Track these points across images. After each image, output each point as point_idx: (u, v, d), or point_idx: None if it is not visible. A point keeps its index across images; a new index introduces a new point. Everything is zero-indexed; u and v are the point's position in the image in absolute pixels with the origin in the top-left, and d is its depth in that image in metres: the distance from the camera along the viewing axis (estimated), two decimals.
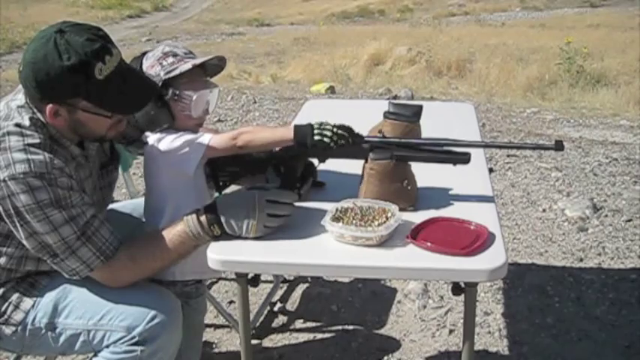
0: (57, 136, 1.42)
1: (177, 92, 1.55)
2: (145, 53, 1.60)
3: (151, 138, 1.58)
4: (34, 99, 1.39)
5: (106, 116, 1.42)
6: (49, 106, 1.36)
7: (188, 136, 1.55)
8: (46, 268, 1.48)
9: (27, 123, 1.38)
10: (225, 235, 1.43)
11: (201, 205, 1.48)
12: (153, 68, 1.56)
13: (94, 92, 1.36)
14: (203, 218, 1.43)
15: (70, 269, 1.41)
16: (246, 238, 1.42)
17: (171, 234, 1.46)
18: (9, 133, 1.36)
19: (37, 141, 1.37)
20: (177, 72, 1.53)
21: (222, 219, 1.42)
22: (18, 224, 1.35)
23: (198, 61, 1.56)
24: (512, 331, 2.36)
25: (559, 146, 1.48)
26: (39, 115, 1.41)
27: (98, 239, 1.41)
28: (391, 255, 1.34)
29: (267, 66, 10.65)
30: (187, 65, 1.54)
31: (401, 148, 1.52)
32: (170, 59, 1.56)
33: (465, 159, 1.51)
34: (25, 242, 1.39)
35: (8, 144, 1.34)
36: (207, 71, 1.64)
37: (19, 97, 1.43)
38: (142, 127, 1.60)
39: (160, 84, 1.54)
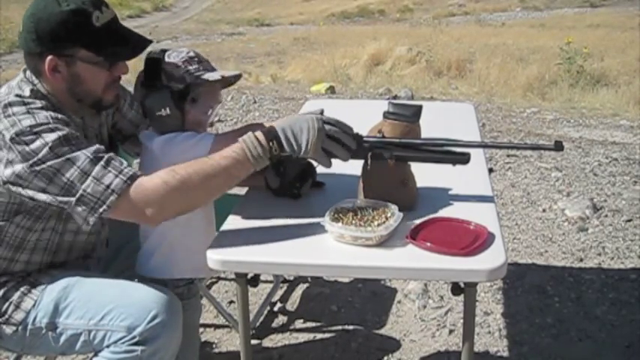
0: (58, 106, 1.45)
1: (197, 99, 1.56)
2: (164, 51, 1.59)
3: (151, 138, 1.58)
4: (33, 58, 1.43)
5: (104, 66, 1.45)
6: (49, 59, 1.40)
7: (191, 136, 1.55)
8: (35, 268, 1.49)
9: (27, 94, 1.42)
10: (283, 156, 1.41)
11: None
12: (177, 69, 1.55)
13: (92, 39, 1.41)
14: (261, 136, 1.40)
15: (95, 200, 1.34)
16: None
17: (224, 152, 1.40)
18: (10, 104, 1.39)
19: (40, 105, 1.40)
20: (205, 79, 1.55)
21: (282, 136, 1.40)
22: (35, 175, 1.34)
23: (227, 73, 1.58)
24: (512, 331, 2.37)
25: (559, 146, 1.48)
26: (39, 86, 1.44)
27: (117, 162, 1.38)
28: (391, 255, 1.34)
29: (267, 66, 10.65)
30: (215, 75, 1.56)
31: (400, 148, 1.52)
32: (195, 65, 1.57)
33: (464, 159, 1.51)
34: (42, 196, 1.36)
35: (11, 111, 1.38)
36: (222, 84, 1.65)
37: (19, 76, 1.48)
38: (150, 122, 1.59)
39: (184, 87, 1.54)
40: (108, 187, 1.35)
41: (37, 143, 1.34)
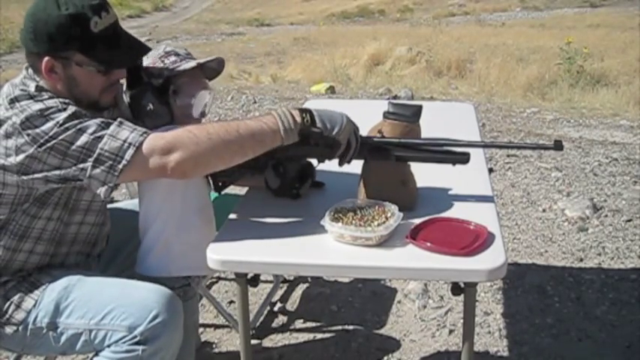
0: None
1: (179, 90, 1.58)
2: None
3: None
4: (32, 57, 1.44)
5: (100, 71, 1.45)
6: (45, 59, 1.41)
7: None
8: (36, 259, 1.50)
9: (32, 89, 1.42)
10: (312, 132, 1.41)
11: (200, 199, 1.50)
12: (155, 65, 1.59)
13: (88, 45, 1.42)
14: (294, 110, 1.42)
15: (113, 157, 1.33)
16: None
17: (254, 118, 1.40)
18: (17, 98, 1.39)
19: (47, 97, 1.41)
20: (180, 69, 1.57)
21: (315, 113, 1.42)
22: (49, 153, 1.34)
23: (202, 60, 1.60)
24: (512, 331, 2.37)
25: (558, 146, 1.48)
26: (42, 83, 1.45)
27: (130, 123, 1.38)
28: (391, 255, 1.35)
29: (267, 66, 10.67)
30: (191, 63, 1.58)
31: (400, 148, 1.52)
32: (172, 58, 1.60)
33: (464, 159, 1.51)
34: (57, 173, 1.36)
35: (19, 103, 1.38)
36: (205, 74, 1.67)
37: (22, 73, 1.49)
38: (141, 123, 1.60)
39: (162, 81, 1.56)
40: (125, 141, 1.34)
41: (48, 125, 1.35)
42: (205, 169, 1.42)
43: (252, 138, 1.38)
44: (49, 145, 1.34)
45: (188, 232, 1.58)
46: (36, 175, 1.38)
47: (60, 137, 1.34)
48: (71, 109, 1.38)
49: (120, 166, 1.34)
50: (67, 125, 1.35)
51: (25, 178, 1.38)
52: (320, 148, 1.47)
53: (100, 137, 1.35)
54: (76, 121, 1.36)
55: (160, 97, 1.57)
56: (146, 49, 1.53)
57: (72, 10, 1.39)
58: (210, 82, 1.73)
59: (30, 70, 1.48)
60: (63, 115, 1.36)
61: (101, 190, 1.37)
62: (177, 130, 1.37)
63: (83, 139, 1.34)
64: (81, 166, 1.35)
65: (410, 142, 1.53)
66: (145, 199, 1.61)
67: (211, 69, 1.68)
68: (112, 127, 1.36)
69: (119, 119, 1.39)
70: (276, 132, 1.39)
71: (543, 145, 1.54)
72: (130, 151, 1.34)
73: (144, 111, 1.57)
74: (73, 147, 1.34)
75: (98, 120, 1.38)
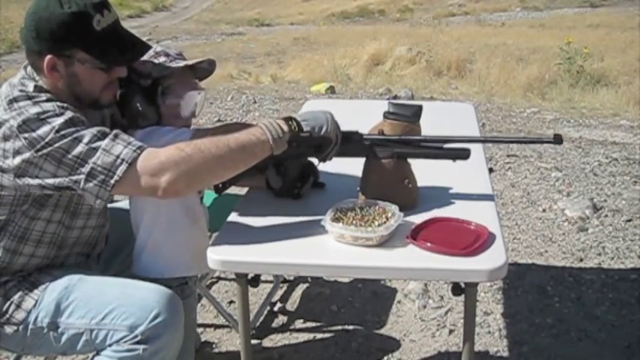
0: (61, 100, 1.45)
1: (167, 91, 1.59)
2: None
3: (136, 133, 1.58)
4: (33, 55, 1.44)
5: (101, 69, 1.46)
6: (47, 57, 1.41)
7: (169, 131, 1.55)
8: (37, 262, 1.50)
9: (31, 89, 1.43)
10: (302, 137, 1.43)
11: (185, 197, 1.49)
12: (144, 65, 1.59)
13: (91, 42, 1.43)
14: (279, 119, 1.43)
15: (105, 172, 1.33)
16: (250, 238, 1.42)
17: (243, 131, 1.40)
18: (16, 99, 1.40)
19: (45, 98, 1.41)
20: (168, 71, 1.58)
21: (300, 119, 1.44)
22: (45, 159, 1.34)
23: (190, 62, 1.61)
24: (512, 331, 2.37)
25: (558, 140, 1.48)
26: (41, 82, 1.45)
27: (125, 136, 1.38)
28: (391, 255, 1.35)
29: (267, 66, 10.66)
30: (180, 64, 1.60)
31: (401, 145, 1.52)
32: (162, 58, 1.61)
33: (464, 154, 1.52)
34: (52, 181, 1.36)
35: (17, 105, 1.38)
36: (197, 74, 1.69)
37: (21, 73, 1.49)
38: (128, 123, 1.61)
39: (151, 82, 1.57)
40: (118, 157, 1.34)
41: (44, 129, 1.35)
42: (199, 185, 1.44)
43: (243, 151, 1.39)
44: (45, 151, 1.34)
45: (176, 231, 1.57)
46: (31, 181, 1.38)
47: (56, 145, 1.34)
48: (68, 114, 1.38)
49: (112, 182, 1.35)
50: (63, 132, 1.35)
51: (19, 182, 1.39)
52: (304, 148, 1.48)
53: (95, 149, 1.35)
54: (72, 129, 1.36)
55: (148, 98, 1.59)
56: (147, 47, 1.54)
57: (75, 8, 1.40)
58: (203, 81, 1.74)
59: (29, 69, 1.48)
60: (59, 121, 1.36)
61: (95, 203, 1.38)
62: (169, 149, 1.36)
63: (78, 149, 1.34)
64: (74, 178, 1.35)
65: (410, 138, 1.53)
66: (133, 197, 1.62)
67: (203, 69, 1.69)
68: (106, 141, 1.36)
69: (115, 131, 1.39)
70: (265, 142, 1.40)
71: (542, 139, 1.55)
72: (123, 167, 1.34)
73: (131, 111, 1.58)
74: (69, 156, 1.34)
75: (94, 129, 1.37)
